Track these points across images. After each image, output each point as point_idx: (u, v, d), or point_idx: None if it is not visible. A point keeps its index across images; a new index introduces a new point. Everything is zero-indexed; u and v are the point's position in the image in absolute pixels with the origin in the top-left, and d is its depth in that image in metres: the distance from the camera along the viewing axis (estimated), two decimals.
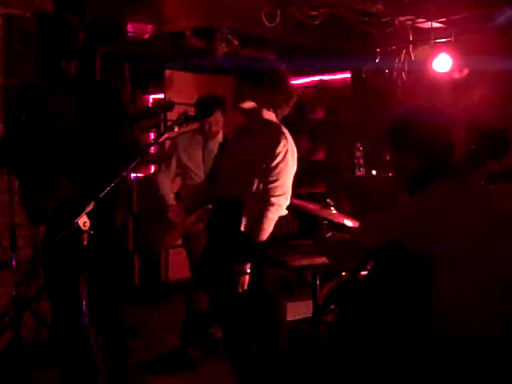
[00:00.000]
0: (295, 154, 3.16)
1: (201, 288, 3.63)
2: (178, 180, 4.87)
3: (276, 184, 3.08)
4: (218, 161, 3.48)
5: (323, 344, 2.91)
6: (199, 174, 4.59)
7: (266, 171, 3.08)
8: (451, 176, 2.39)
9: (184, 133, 2.76)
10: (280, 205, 3.10)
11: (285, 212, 3.17)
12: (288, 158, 3.10)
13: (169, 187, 4.68)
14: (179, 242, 4.97)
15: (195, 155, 4.64)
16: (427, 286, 2.30)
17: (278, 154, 3.07)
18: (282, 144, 3.08)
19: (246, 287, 3.08)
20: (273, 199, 3.07)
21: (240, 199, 3.14)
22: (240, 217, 3.12)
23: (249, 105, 3.19)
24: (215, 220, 3.32)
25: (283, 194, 3.10)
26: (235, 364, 3.43)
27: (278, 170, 3.08)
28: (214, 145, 4.50)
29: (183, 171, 4.70)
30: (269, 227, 3.08)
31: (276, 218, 3.11)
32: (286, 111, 3.28)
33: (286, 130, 3.17)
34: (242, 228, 3.11)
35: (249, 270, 3.06)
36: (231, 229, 3.15)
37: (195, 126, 2.85)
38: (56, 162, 3.18)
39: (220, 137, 4.61)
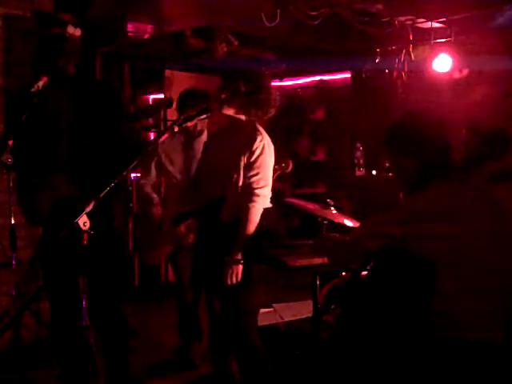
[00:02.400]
0: (272, 147, 3.32)
1: (197, 286, 3.65)
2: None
3: (258, 177, 3.23)
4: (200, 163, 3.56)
5: (324, 344, 2.91)
6: (179, 177, 4.35)
7: (245, 167, 3.23)
8: (451, 176, 2.40)
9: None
10: (265, 196, 3.25)
11: (269, 205, 3.28)
12: (266, 152, 3.26)
13: (150, 188, 4.45)
14: None
15: (176, 158, 4.37)
16: (428, 286, 2.29)
17: (256, 149, 3.23)
18: (258, 139, 3.24)
19: (240, 278, 3.16)
20: (257, 191, 3.22)
21: (224, 197, 3.26)
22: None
23: (231, 112, 3.33)
24: (204, 221, 3.38)
25: (266, 186, 3.25)
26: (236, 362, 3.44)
27: (258, 164, 3.23)
28: (199, 145, 4.18)
29: (165, 175, 4.45)
30: (256, 218, 3.20)
31: (261, 209, 3.22)
32: (265, 117, 3.36)
33: (260, 126, 3.32)
34: (221, 218, 3.21)
35: (242, 261, 3.12)
36: (218, 226, 3.25)
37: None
38: (54, 162, 3.18)
39: (205, 136, 4.29)
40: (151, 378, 4.35)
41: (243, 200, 3.21)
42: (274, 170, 3.42)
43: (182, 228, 4.21)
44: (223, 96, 3.30)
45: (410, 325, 2.34)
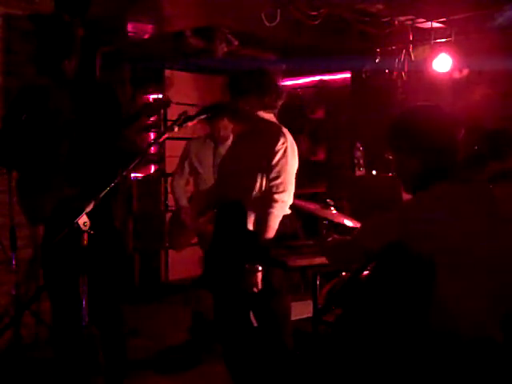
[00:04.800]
0: (295, 151, 3.20)
1: (205, 287, 3.65)
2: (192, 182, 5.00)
3: (278, 181, 3.11)
4: (220, 164, 3.55)
5: (324, 344, 2.91)
6: (209, 178, 4.68)
7: (267, 169, 3.11)
8: (453, 176, 2.39)
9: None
10: (284, 201, 3.13)
11: (288, 211, 3.19)
12: (288, 155, 3.14)
13: (182, 189, 4.83)
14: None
15: (206, 160, 4.74)
16: (428, 286, 2.29)
17: (278, 151, 3.11)
18: (281, 141, 3.12)
19: (260, 286, 3.09)
20: (276, 196, 3.11)
21: (244, 200, 3.17)
22: (244, 217, 3.14)
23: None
24: (220, 222, 3.34)
25: (285, 191, 3.13)
26: (233, 365, 3.43)
27: (278, 168, 3.11)
28: (224, 150, 4.50)
29: (195, 175, 4.82)
30: (274, 225, 3.10)
31: (281, 216, 3.13)
32: (276, 109, 3.33)
33: (285, 129, 3.21)
34: (251, 227, 3.12)
35: (260, 268, 3.07)
36: (237, 229, 3.18)
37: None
38: (54, 162, 3.18)
39: (230, 142, 4.58)
40: (151, 376, 4.35)
41: (262, 205, 3.11)
42: None
43: (204, 218, 4.53)
44: (239, 94, 3.22)
45: (410, 325, 2.34)
